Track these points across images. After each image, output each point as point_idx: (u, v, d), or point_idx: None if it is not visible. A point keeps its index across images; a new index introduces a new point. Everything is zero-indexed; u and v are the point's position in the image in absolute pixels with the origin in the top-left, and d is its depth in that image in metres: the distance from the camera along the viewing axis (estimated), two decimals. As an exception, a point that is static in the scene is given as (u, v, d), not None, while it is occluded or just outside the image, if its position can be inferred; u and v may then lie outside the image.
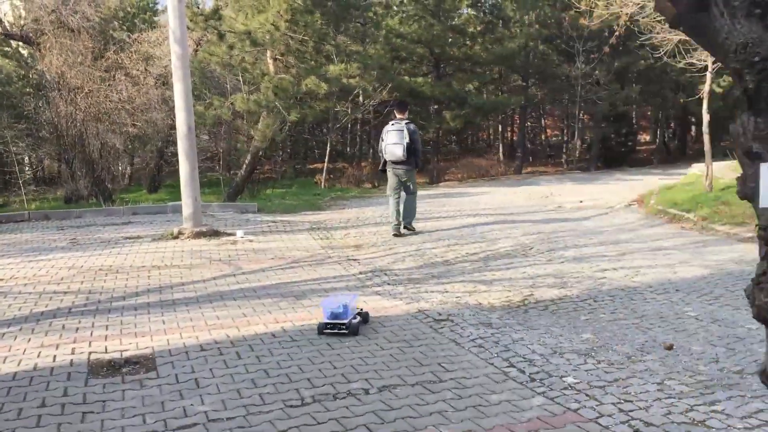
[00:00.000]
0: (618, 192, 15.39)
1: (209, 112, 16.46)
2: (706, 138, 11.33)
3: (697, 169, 16.61)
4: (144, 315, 5.61)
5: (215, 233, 9.48)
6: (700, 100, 24.95)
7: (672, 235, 8.91)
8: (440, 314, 5.46)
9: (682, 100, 21.39)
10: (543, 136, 34.24)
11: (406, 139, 8.92)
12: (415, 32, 21.05)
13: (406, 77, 20.80)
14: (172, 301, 6.05)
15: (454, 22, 21.83)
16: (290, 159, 26.75)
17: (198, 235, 9.27)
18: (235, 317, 5.49)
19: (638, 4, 15.68)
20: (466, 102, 21.11)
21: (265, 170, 22.29)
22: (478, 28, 22.80)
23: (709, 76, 11.37)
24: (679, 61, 17.02)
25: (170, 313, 5.67)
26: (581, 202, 13.39)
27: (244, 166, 18.72)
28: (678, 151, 30.58)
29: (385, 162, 9.27)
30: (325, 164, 19.13)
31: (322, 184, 19.02)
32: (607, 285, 6.31)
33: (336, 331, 4.87)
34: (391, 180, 9.31)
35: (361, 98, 22.36)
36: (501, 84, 27.04)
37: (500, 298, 6.00)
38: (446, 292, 6.26)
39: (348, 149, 25.01)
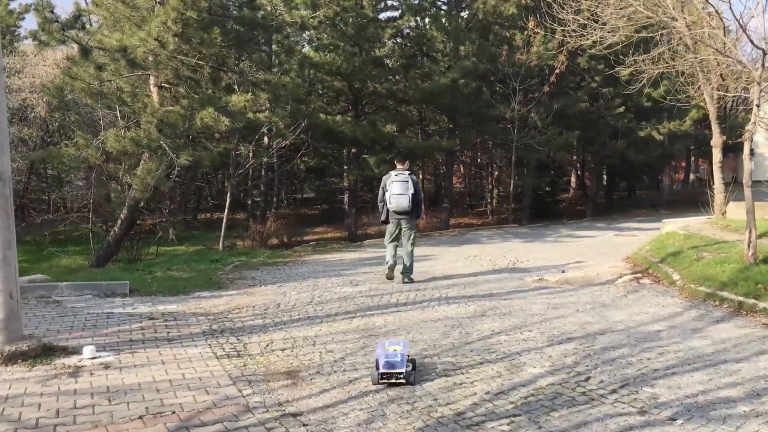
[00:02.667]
0: (587, 254, 12.65)
1: (68, 152, 12.42)
2: (747, 192, 8.58)
3: (674, 226, 14.18)
4: None
5: (45, 352, 5.62)
6: (640, 146, 23.23)
7: (774, 342, 5.92)
8: None
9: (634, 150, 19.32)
10: (463, 184, 31.81)
11: (411, 190, 8.88)
12: (332, 63, 17.86)
13: (322, 115, 17.49)
14: None
15: (376, 53, 18.84)
16: (180, 210, 22.62)
17: (12, 358, 5.39)
18: None
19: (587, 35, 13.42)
20: (393, 145, 18.02)
21: (146, 224, 18.13)
22: (402, 61, 19.90)
23: (755, 112, 8.66)
24: (669, 98, 14.94)
25: None
26: (563, 272, 10.45)
27: (119, 221, 14.66)
28: (606, 202, 28.83)
29: (387, 212, 9.17)
30: (224, 220, 15.35)
31: (221, 244, 15.21)
32: None
33: (393, 381, 4.75)
34: (391, 229, 9.25)
35: (266, 139, 18.86)
36: (424, 126, 24.31)
37: None
38: None
39: (250, 200, 21.22)
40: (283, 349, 5.96)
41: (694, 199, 29.97)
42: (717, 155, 14.74)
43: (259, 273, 10.93)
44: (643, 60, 14.43)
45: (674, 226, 14.17)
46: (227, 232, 17.59)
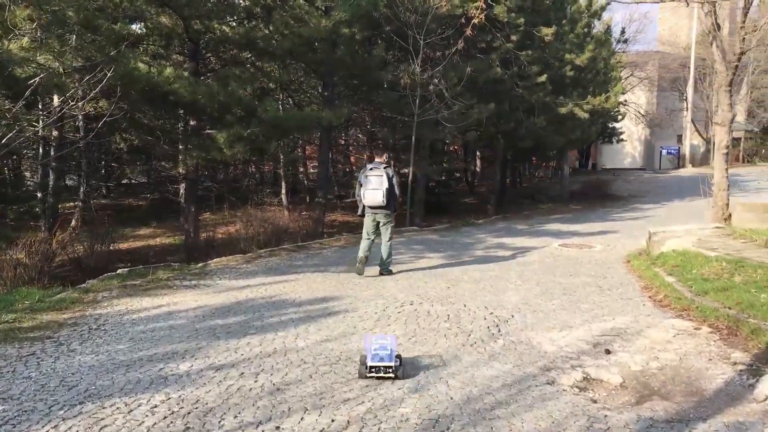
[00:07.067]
0: (570, 288, 7.85)
1: None
2: None
3: (680, 240, 9.73)
4: None
5: None
6: (556, 126, 19.02)
7: None
8: None
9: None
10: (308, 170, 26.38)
11: (385, 185, 8.66)
12: (158, -15, 11.65)
13: (143, 65, 11.25)
14: None
15: (226, -19, 12.85)
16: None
17: None
18: None
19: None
20: (253, 115, 12.16)
21: None
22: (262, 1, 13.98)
23: None
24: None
25: None
26: (608, 352, 5.46)
27: None
28: (500, 195, 24.57)
29: (364, 207, 8.95)
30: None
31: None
32: None
33: (381, 374, 4.53)
34: (368, 224, 9.00)
35: (56, 99, 12.38)
36: (290, 93, 18.50)
37: None
38: None
39: (40, 192, 14.34)
40: None
41: (598, 190, 26.73)
42: (722, 137, 10.44)
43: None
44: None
45: (681, 240, 9.72)
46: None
